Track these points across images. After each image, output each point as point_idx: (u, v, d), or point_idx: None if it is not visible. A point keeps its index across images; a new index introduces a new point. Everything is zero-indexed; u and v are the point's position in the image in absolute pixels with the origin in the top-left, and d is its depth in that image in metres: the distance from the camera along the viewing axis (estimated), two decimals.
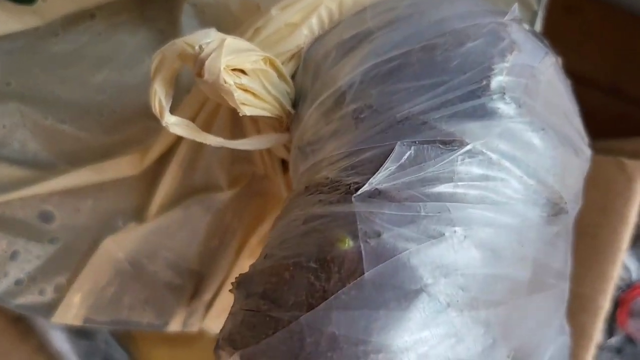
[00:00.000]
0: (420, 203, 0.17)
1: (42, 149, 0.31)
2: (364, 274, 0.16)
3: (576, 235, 0.33)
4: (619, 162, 0.31)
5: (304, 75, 0.24)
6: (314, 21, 0.24)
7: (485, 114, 0.18)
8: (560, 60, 0.22)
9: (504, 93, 0.18)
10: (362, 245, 0.17)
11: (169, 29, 0.29)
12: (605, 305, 0.30)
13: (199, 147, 0.30)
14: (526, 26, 0.21)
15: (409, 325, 0.16)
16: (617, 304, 0.47)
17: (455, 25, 0.20)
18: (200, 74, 0.20)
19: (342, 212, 0.18)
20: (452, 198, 0.17)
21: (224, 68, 0.19)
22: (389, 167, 0.18)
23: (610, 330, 0.47)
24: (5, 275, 0.31)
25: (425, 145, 0.18)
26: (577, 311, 0.31)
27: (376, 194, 0.18)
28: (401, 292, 0.16)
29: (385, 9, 0.22)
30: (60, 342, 0.40)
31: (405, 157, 0.18)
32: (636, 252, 0.47)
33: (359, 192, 0.18)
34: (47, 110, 0.31)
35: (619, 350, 0.49)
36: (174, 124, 0.22)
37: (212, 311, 0.33)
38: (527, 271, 0.19)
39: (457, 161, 0.18)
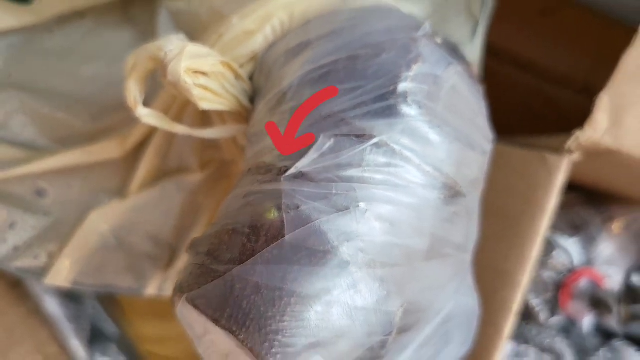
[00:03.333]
0: (333, 183, 0.22)
1: (39, 132, 0.36)
2: (284, 237, 0.21)
3: (502, 219, 0.37)
4: (542, 156, 0.35)
5: (259, 76, 0.29)
6: (268, 30, 0.29)
7: (391, 113, 0.23)
8: (470, 67, 0.26)
9: (407, 97, 0.23)
10: (284, 215, 0.21)
11: (149, 31, 0.34)
12: (524, 281, 0.35)
13: (171, 135, 0.34)
14: (438, 40, 0.25)
15: (317, 278, 0.21)
16: (559, 286, 0.51)
17: (377, 38, 0.25)
18: (165, 76, 0.24)
19: (272, 189, 0.22)
20: (360, 180, 0.22)
21: (185, 71, 0.24)
22: (312, 154, 0.23)
23: (552, 311, 0.52)
24: (5, 242, 0.35)
25: (342, 138, 0.23)
26: (500, 286, 0.36)
27: (300, 176, 0.22)
28: (312, 251, 0.21)
29: (325, 22, 0.27)
30: (52, 306, 0.44)
31: (326, 147, 0.23)
32: (579, 239, 0.52)
33: (287, 174, 0.22)
34: (44, 99, 0.36)
35: (563, 330, 0.53)
36: (146, 116, 0.26)
37: None
38: (425, 242, 0.23)
39: (366, 151, 0.22)
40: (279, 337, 0.20)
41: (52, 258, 0.36)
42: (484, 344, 0.36)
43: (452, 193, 0.24)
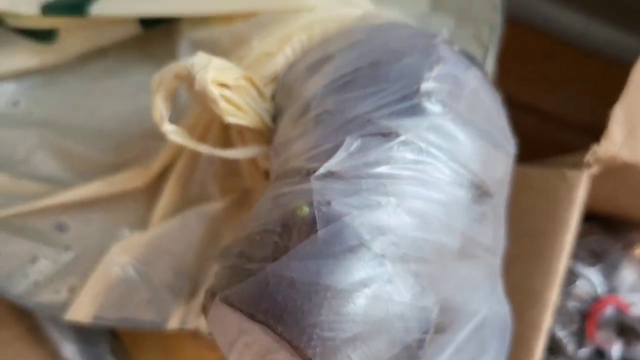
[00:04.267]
0: (363, 180, 0.22)
1: (59, 167, 0.36)
2: (316, 232, 0.21)
3: (525, 238, 0.37)
4: (561, 172, 0.36)
5: (281, 95, 0.30)
6: (288, 50, 0.30)
7: (416, 112, 0.23)
8: (487, 75, 0.27)
9: (431, 96, 0.23)
10: (315, 211, 0.21)
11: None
12: (553, 297, 0.34)
13: (194, 163, 0.34)
14: (455, 47, 0.26)
15: (352, 271, 0.20)
16: (585, 317, 0.50)
17: (397, 45, 0.25)
18: (191, 86, 0.25)
19: (301, 188, 0.22)
20: (389, 177, 0.22)
21: (211, 81, 0.24)
22: (340, 154, 0.23)
23: (579, 343, 0.51)
24: (26, 277, 0.35)
25: (369, 137, 0.23)
26: (528, 305, 0.35)
27: (329, 175, 0.22)
28: (345, 246, 0.21)
29: (345, 36, 0.28)
30: (70, 351, 0.44)
31: (353, 147, 0.23)
32: (600, 268, 0.51)
33: (316, 173, 0.22)
34: (64, 135, 0.37)
35: None
36: (172, 132, 0.27)
37: None
38: (456, 240, 0.23)
39: (393, 149, 0.23)
40: (317, 330, 0.19)
41: (73, 293, 0.36)
42: None
43: (480, 192, 0.24)
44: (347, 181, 0.22)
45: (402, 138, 0.23)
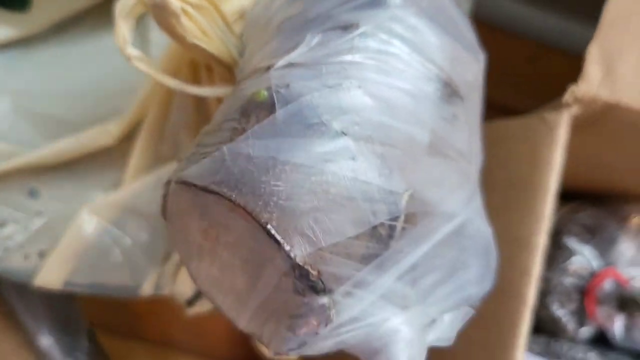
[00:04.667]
0: (323, 65, 0.21)
1: (31, 130, 0.36)
2: (275, 113, 0.20)
3: (510, 187, 0.36)
4: (541, 116, 0.35)
5: (248, 31, 0.29)
6: None
7: (376, 4, 0.23)
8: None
9: None
10: (274, 94, 0.20)
11: None
12: (542, 241, 0.33)
13: (164, 115, 0.34)
14: None
15: (310, 147, 0.19)
16: (583, 294, 0.48)
17: None
18: (155, 10, 0.24)
19: (260, 78, 0.22)
20: (350, 63, 0.21)
21: None
22: (301, 49, 0.22)
23: (580, 322, 0.49)
24: None
25: (329, 32, 0.23)
26: (518, 252, 0.34)
27: (289, 65, 0.22)
28: (304, 125, 0.20)
29: None
30: (46, 340, 0.42)
31: (314, 41, 0.22)
32: (596, 243, 0.49)
33: (276, 65, 0.22)
34: (38, 101, 0.36)
35: (595, 343, 0.49)
36: (136, 58, 0.26)
37: (181, 273, 0.35)
38: (426, 135, 0.22)
39: (354, 40, 0.22)
40: (274, 198, 0.18)
41: (43, 258, 0.34)
42: (509, 316, 0.33)
43: (449, 91, 0.24)
44: (306, 67, 0.21)
45: (362, 29, 0.22)
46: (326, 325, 0.18)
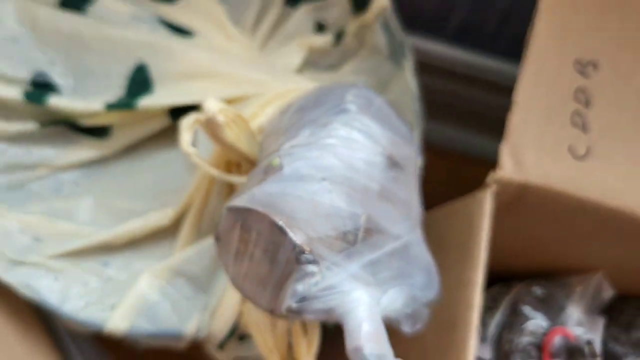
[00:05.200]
0: (313, 145, 0.36)
1: (108, 218, 0.50)
2: (282, 170, 0.34)
3: (455, 247, 0.49)
4: (473, 195, 0.49)
5: (264, 139, 0.45)
6: (268, 110, 0.45)
7: (342, 112, 0.38)
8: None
9: (351, 104, 0.38)
10: (283, 160, 0.35)
11: None
12: (479, 280, 0.45)
13: (206, 202, 0.48)
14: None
15: (304, 187, 0.33)
16: (541, 351, 0.59)
17: (329, 87, 0.41)
18: (206, 125, 0.40)
19: (276, 154, 0.36)
20: (328, 144, 0.36)
21: (218, 111, 0.39)
22: (299, 138, 0.37)
23: None
24: (80, 298, 0.46)
25: (316, 128, 0.38)
26: (462, 290, 0.45)
27: (292, 147, 0.37)
28: (300, 175, 0.34)
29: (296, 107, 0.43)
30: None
31: (307, 134, 0.37)
32: (546, 310, 0.61)
33: (282, 147, 0.37)
34: (113, 198, 0.51)
35: None
36: (193, 154, 0.41)
37: (215, 320, 0.47)
38: (375, 186, 0.36)
39: (330, 131, 0.37)
40: (285, 212, 0.32)
41: (114, 310, 0.47)
42: (458, 343, 0.44)
43: (391, 162, 0.38)
44: (302, 146, 0.36)
45: (335, 125, 0.37)
46: (316, 285, 0.31)
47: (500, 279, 0.63)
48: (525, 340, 0.59)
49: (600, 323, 0.64)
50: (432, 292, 0.39)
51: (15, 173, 0.51)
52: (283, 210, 0.32)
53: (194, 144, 0.43)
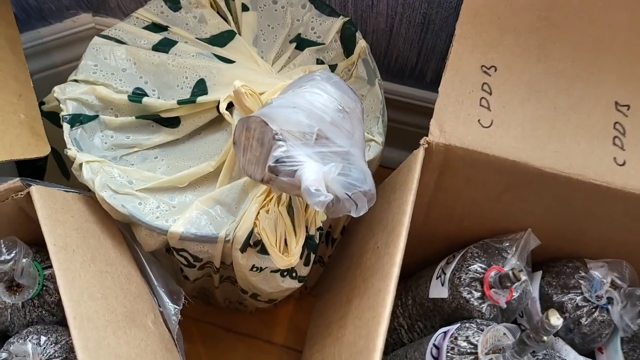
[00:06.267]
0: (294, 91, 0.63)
1: (174, 171, 0.77)
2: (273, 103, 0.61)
3: (392, 191, 0.72)
4: (413, 153, 0.73)
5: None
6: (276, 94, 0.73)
7: (311, 79, 0.65)
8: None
9: (318, 76, 0.65)
10: (273, 101, 0.62)
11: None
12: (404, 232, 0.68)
13: (234, 159, 0.75)
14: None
15: (283, 113, 0.60)
16: (483, 286, 0.79)
17: (305, 76, 0.69)
18: (238, 102, 0.67)
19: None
20: (298, 93, 0.63)
21: (241, 86, 0.67)
22: (285, 92, 0.64)
23: (483, 302, 0.78)
24: (153, 213, 0.73)
25: (299, 89, 0.65)
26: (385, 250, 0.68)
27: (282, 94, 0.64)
28: (284, 107, 0.61)
29: (288, 85, 0.71)
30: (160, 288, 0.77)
31: (291, 90, 0.64)
32: (486, 258, 0.81)
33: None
34: (179, 161, 0.79)
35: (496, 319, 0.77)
36: (227, 115, 0.69)
37: (239, 228, 0.72)
38: (328, 117, 0.62)
39: (303, 87, 0.64)
40: (271, 119, 0.58)
41: (175, 223, 0.73)
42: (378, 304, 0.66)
43: (341, 109, 0.64)
44: (285, 95, 0.63)
45: (305, 86, 0.64)
46: (284, 153, 0.56)
47: None
48: (470, 276, 0.79)
49: (539, 275, 0.83)
50: (366, 186, 0.62)
51: (118, 150, 0.80)
52: (267, 116, 0.58)
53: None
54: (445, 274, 0.82)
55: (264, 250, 0.70)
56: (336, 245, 0.90)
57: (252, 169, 0.59)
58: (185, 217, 0.71)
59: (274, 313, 1.09)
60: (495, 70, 0.74)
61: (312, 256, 0.73)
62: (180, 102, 0.77)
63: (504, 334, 0.70)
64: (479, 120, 0.73)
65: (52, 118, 0.85)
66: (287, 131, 0.57)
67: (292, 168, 0.57)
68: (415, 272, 0.97)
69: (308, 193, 0.54)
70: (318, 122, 0.60)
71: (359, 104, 0.66)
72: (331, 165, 0.58)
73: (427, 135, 0.72)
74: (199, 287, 0.94)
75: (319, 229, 0.70)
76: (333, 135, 0.61)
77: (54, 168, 0.94)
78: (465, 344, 0.72)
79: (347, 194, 0.60)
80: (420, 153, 0.71)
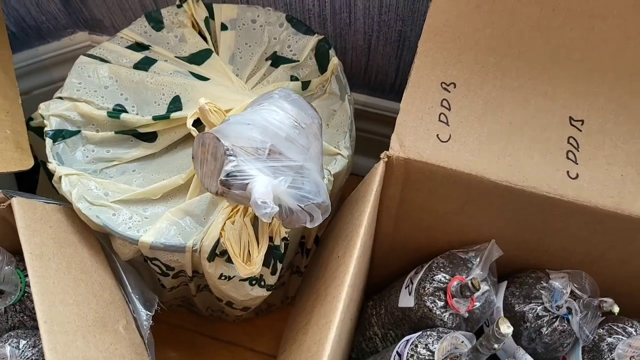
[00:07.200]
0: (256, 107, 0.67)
1: (147, 184, 0.81)
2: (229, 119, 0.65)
3: (355, 203, 0.75)
4: (374, 167, 0.76)
5: None
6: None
7: (269, 97, 0.69)
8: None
9: (276, 94, 0.69)
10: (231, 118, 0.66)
11: None
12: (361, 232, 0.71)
13: None
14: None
15: (238, 129, 0.64)
16: (446, 295, 0.81)
17: (266, 93, 0.72)
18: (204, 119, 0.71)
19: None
20: (255, 111, 0.66)
21: (206, 103, 0.71)
22: (249, 109, 0.68)
23: (445, 311, 0.80)
24: (125, 224, 0.77)
25: (262, 100, 0.68)
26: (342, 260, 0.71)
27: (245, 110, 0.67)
28: (239, 123, 0.64)
29: (251, 102, 0.75)
30: (134, 294, 0.81)
31: (252, 106, 0.68)
32: (450, 269, 0.83)
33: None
34: (153, 176, 0.83)
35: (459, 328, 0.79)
36: (190, 128, 0.72)
37: (206, 238, 0.75)
38: (283, 133, 0.66)
39: (261, 104, 0.67)
40: (224, 135, 0.62)
41: (146, 233, 0.76)
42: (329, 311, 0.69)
43: (297, 125, 0.67)
44: (244, 113, 0.66)
45: (264, 104, 0.68)
46: (235, 167, 0.60)
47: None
48: (434, 286, 0.81)
49: (504, 285, 0.85)
50: (319, 198, 0.66)
51: (99, 164, 0.85)
52: (221, 132, 0.62)
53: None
54: (412, 283, 0.85)
55: (230, 260, 0.74)
56: (311, 256, 0.93)
57: (208, 182, 0.63)
58: (156, 228, 0.75)
59: (257, 322, 1.12)
60: (455, 86, 0.77)
61: (279, 265, 0.76)
62: (155, 118, 0.81)
63: (462, 341, 0.72)
64: (437, 135, 0.75)
65: (40, 133, 0.90)
66: (240, 147, 0.61)
67: (243, 181, 0.60)
68: (390, 282, 1.00)
69: (255, 205, 0.58)
70: (272, 138, 0.63)
71: (317, 120, 0.69)
72: (281, 179, 0.61)
73: None
74: (180, 296, 0.98)
75: (284, 239, 0.73)
76: (287, 150, 0.64)
77: (45, 181, 0.99)
78: (424, 351, 0.74)
79: (299, 206, 0.63)
80: (380, 166, 0.74)
